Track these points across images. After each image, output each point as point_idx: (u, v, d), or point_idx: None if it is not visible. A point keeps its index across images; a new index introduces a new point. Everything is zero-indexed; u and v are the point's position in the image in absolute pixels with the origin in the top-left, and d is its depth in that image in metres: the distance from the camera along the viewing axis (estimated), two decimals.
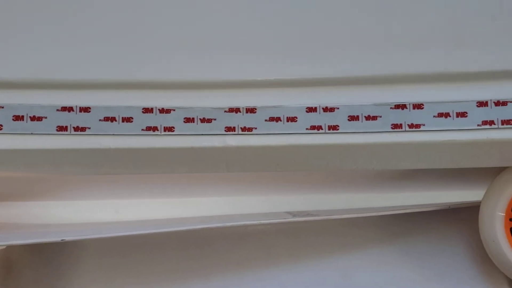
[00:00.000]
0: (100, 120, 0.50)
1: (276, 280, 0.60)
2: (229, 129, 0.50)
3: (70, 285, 0.63)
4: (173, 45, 0.51)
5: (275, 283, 0.60)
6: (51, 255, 0.64)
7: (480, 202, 0.59)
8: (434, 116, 0.49)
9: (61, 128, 0.50)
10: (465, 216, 0.64)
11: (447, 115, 0.49)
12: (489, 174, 0.61)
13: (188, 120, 0.50)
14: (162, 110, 0.50)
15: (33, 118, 0.51)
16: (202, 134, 0.50)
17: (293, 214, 0.61)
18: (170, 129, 0.50)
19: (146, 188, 0.68)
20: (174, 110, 0.50)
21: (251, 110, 0.50)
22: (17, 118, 0.50)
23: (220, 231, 0.65)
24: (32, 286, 0.63)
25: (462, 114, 0.49)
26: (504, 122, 0.49)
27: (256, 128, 0.50)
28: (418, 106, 0.49)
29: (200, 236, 0.64)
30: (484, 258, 0.61)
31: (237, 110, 0.50)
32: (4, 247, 0.63)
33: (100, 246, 0.64)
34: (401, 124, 0.49)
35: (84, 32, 0.51)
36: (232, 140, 0.50)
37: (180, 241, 0.65)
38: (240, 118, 0.50)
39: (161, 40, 0.51)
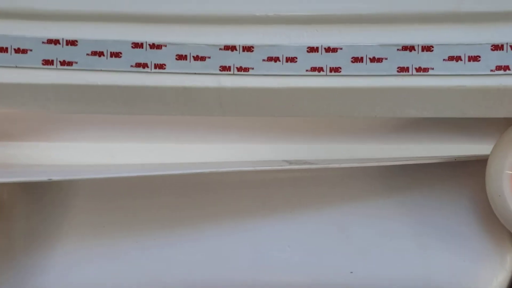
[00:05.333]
0: (87, 54, 0.48)
1: (271, 228, 0.59)
2: (224, 68, 0.47)
3: (61, 228, 0.62)
4: None
5: (270, 231, 0.59)
6: (42, 195, 0.63)
7: (488, 156, 0.57)
8: (444, 60, 0.46)
9: (47, 62, 0.48)
10: (471, 171, 0.62)
11: (458, 58, 0.46)
12: (499, 127, 0.58)
13: (180, 57, 0.47)
14: (152, 46, 0.47)
15: (17, 51, 0.48)
16: (195, 73, 0.48)
17: (290, 162, 0.59)
18: (161, 66, 0.47)
19: (143, 132, 0.67)
20: (165, 46, 0.47)
21: (248, 49, 0.47)
22: (1, 50, 0.48)
23: (216, 179, 0.63)
24: (23, 224, 0.62)
25: (475, 58, 0.46)
26: None
27: (253, 69, 0.47)
28: (428, 48, 0.46)
29: (195, 183, 0.63)
30: (488, 214, 0.60)
31: (233, 48, 0.47)
32: None
33: (91, 189, 0.63)
34: (408, 68, 0.46)
35: None
36: (227, 81, 0.48)
37: (174, 188, 0.63)
38: (236, 57, 0.47)
39: None
